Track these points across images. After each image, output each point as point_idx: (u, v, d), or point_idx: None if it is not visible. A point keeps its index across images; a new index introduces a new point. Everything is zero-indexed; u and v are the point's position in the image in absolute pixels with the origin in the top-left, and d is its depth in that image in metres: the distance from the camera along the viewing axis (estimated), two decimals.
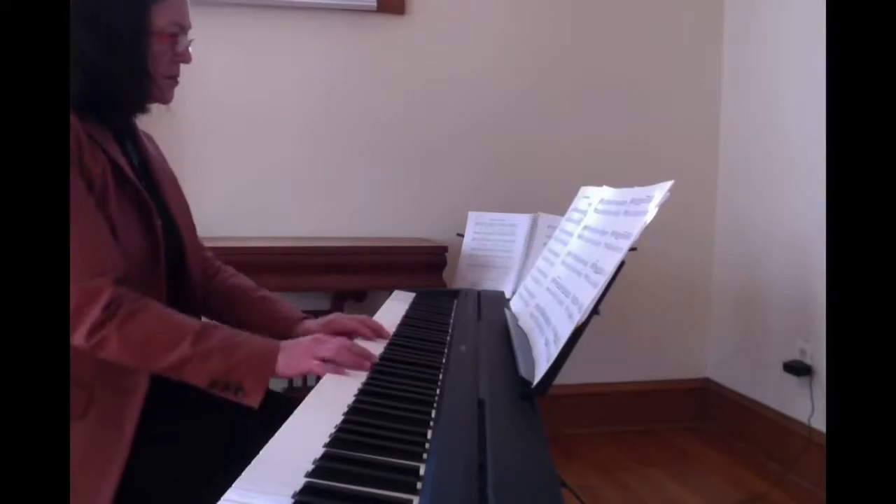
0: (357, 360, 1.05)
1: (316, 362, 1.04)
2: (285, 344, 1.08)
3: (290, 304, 1.36)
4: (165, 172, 1.27)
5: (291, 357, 1.05)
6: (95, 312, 0.99)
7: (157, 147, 1.30)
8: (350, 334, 1.22)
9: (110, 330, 1.00)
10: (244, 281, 1.39)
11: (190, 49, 1.18)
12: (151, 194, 1.15)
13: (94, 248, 1.02)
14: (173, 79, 1.17)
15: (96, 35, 1.07)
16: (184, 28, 1.15)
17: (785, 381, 2.39)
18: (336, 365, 1.03)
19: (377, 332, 1.24)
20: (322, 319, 1.31)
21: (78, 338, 1.00)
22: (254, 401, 1.03)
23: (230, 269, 1.40)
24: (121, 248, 1.06)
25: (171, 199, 1.23)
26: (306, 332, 1.25)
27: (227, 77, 2.35)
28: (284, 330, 1.29)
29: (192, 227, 1.30)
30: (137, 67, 1.11)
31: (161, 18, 1.11)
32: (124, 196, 1.09)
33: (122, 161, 1.11)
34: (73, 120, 1.03)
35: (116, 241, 1.06)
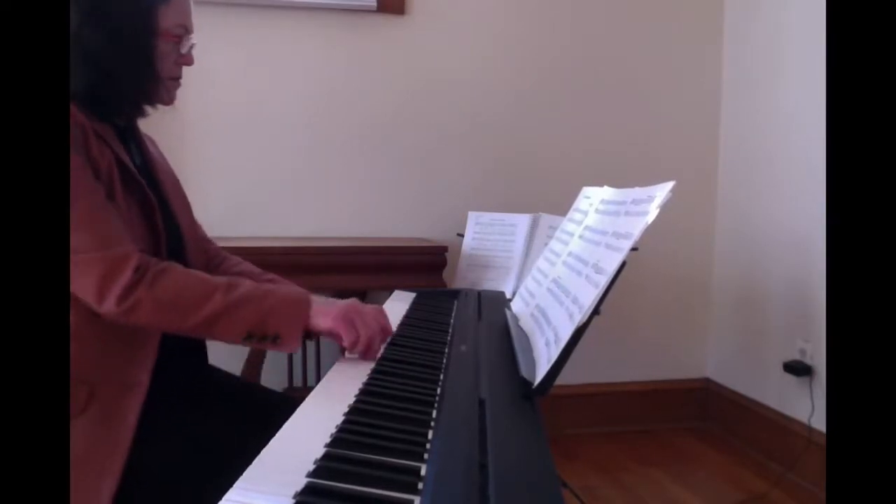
0: (375, 353, 1.08)
1: (348, 328, 1.06)
2: (318, 297, 1.10)
3: (296, 285, 1.37)
4: (167, 172, 1.28)
5: (326, 314, 1.07)
6: (127, 275, 1.00)
7: (158, 148, 1.31)
8: None
9: (142, 291, 1.00)
10: (250, 267, 1.40)
11: (192, 52, 1.19)
12: (153, 192, 1.16)
13: (111, 222, 1.04)
14: (176, 80, 1.19)
15: (104, 31, 1.08)
16: (188, 30, 1.17)
17: (785, 381, 2.40)
18: (360, 346, 1.07)
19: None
20: (339, 302, 1.29)
21: (108, 305, 1.00)
22: (291, 348, 1.04)
23: (235, 259, 1.41)
24: None
25: (173, 197, 1.25)
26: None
27: (227, 77, 2.35)
28: None
29: (193, 224, 1.32)
30: (145, 67, 1.12)
31: (167, 19, 1.12)
32: (128, 193, 1.11)
33: (126, 159, 1.12)
34: (79, 114, 1.04)
35: None
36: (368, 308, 1.15)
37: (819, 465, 2.18)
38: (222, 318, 1.03)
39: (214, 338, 1.06)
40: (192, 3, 1.18)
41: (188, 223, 1.28)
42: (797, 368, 2.31)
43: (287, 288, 1.11)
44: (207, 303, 1.03)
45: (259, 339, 1.04)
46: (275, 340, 1.04)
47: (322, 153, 2.46)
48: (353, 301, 1.18)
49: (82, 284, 1.00)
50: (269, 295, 1.06)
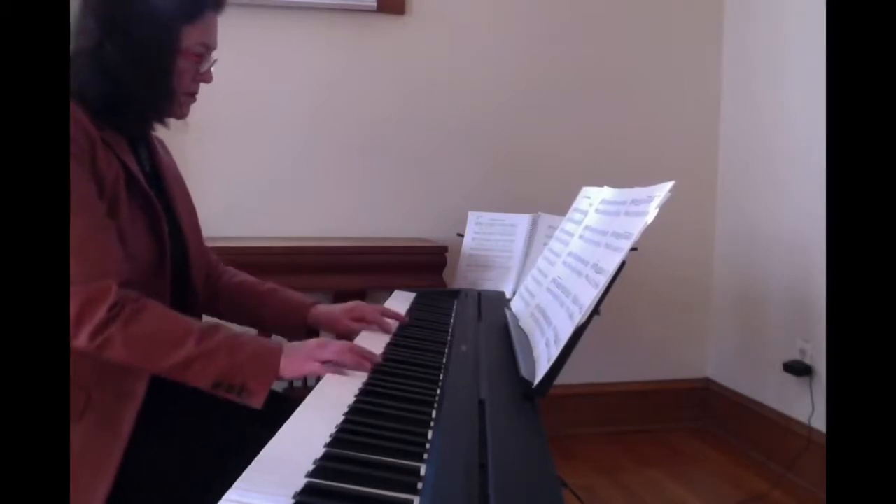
0: (359, 360, 1.05)
1: (318, 365, 1.04)
2: (288, 346, 1.08)
3: (296, 292, 1.38)
4: (175, 178, 1.27)
5: (294, 359, 1.05)
6: (101, 313, 0.99)
7: (168, 152, 1.30)
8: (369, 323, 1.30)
9: (115, 330, 0.99)
10: (249, 278, 1.40)
11: (212, 69, 1.18)
12: (161, 200, 1.15)
13: (100, 251, 1.02)
14: (192, 96, 1.18)
15: (125, 46, 1.07)
16: (209, 48, 1.16)
17: (785, 381, 2.39)
18: (338, 366, 1.04)
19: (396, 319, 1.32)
20: (342, 305, 1.34)
21: (82, 339, 0.99)
22: (257, 402, 1.02)
23: (233, 270, 1.42)
24: (128, 254, 1.06)
25: (180, 204, 1.24)
26: (319, 316, 1.32)
27: (226, 77, 2.34)
28: (300, 317, 1.33)
29: (198, 231, 1.31)
30: (161, 83, 1.12)
31: (190, 38, 1.11)
32: (135, 203, 1.10)
33: (135, 168, 1.11)
34: (88, 123, 1.04)
35: (125, 247, 1.06)
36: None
37: (819, 465, 2.18)
38: (192, 365, 1.01)
39: (184, 382, 1.03)
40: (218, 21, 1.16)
41: (193, 230, 1.27)
42: (797, 368, 2.31)
43: (259, 340, 1.08)
44: (179, 349, 1.01)
45: (226, 390, 1.02)
46: (240, 393, 1.02)
47: (322, 153, 2.46)
48: (316, 339, 1.14)
49: None
50: (241, 347, 1.04)
